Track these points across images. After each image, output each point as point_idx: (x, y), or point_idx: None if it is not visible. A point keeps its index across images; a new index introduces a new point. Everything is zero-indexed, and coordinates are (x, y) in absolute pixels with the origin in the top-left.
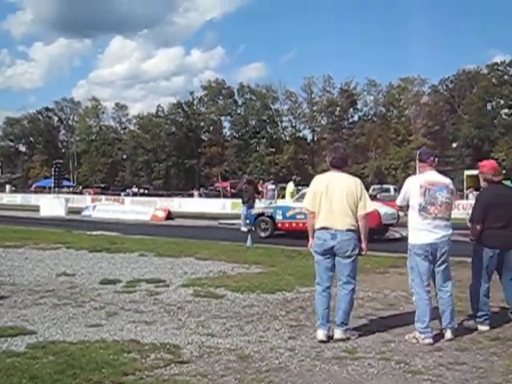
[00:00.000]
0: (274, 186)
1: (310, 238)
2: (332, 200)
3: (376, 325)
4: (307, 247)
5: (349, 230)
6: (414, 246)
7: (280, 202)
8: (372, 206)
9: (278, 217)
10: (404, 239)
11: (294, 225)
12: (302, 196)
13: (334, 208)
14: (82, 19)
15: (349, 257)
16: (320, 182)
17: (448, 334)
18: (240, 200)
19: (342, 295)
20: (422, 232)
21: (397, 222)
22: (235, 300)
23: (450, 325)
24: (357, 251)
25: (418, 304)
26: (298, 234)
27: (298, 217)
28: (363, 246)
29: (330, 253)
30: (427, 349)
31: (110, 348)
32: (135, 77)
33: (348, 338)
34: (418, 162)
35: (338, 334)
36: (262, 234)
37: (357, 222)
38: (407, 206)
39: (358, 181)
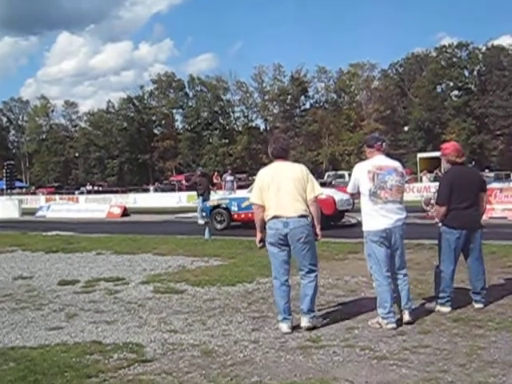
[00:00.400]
0: (232, 178)
1: (258, 233)
2: (280, 189)
3: (338, 312)
4: (256, 242)
5: (301, 216)
6: (369, 233)
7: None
8: (320, 189)
9: (234, 208)
10: (360, 225)
11: (250, 215)
12: None
13: (282, 196)
14: (27, 16)
15: (304, 244)
16: (265, 174)
17: (406, 316)
18: (195, 193)
19: (306, 283)
20: (374, 218)
21: (352, 207)
22: (196, 294)
23: (407, 305)
24: (312, 237)
25: (378, 290)
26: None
27: (253, 207)
28: (317, 231)
29: (285, 242)
30: (391, 333)
31: (71, 351)
32: (84, 73)
33: (315, 327)
34: (365, 148)
35: (304, 321)
36: (218, 226)
37: (308, 208)
38: (358, 193)
39: (303, 167)
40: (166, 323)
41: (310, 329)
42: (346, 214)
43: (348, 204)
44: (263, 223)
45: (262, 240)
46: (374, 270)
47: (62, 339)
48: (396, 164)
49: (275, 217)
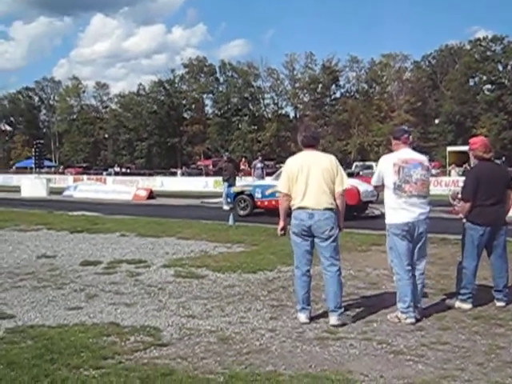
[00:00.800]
0: (262, 165)
1: (281, 222)
2: (308, 179)
3: (358, 304)
4: (278, 230)
5: (326, 209)
6: (392, 226)
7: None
8: (348, 182)
9: (257, 195)
10: (383, 216)
11: (273, 203)
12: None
13: (310, 187)
14: None
15: (328, 237)
16: (294, 162)
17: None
18: (221, 178)
19: (328, 279)
20: (398, 211)
21: (376, 199)
22: (216, 280)
23: (418, 304)
24: (336, 231)
25: (398, 284)
26: (277, 213)
27: (277, 195)
28: (340, 224)
29: (308, 234)
30: (409, 328)
31: (89, 331)
32: (116, 55)
33: (344, 324)
34: (392, 139)
35: (333, 319)
36: (241, 213)
37: (335, 200)
38: (382, 186)
39: (332, 158)
40: (184, 308)
41: (339, 325)
42: (369, 205)
43: (372, 195)
44: (287, 212)
45: (284, 229)
46: (395, 264)
47: (81, 319)
48: (422, 158)
49: (300, 207)
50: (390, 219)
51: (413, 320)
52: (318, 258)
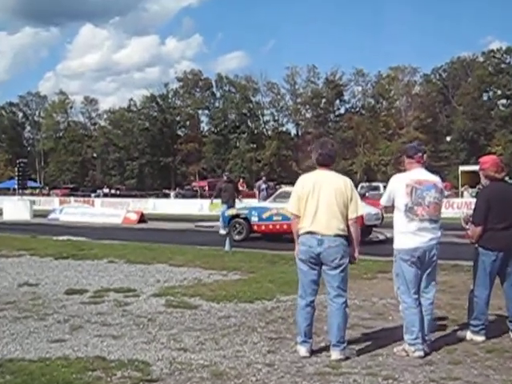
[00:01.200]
0: (266, 185)
1: (297, 245)
2: (319, 202)
3: (363, 336)
4: (294, 253)
5: (337, 236)
6: (400, 251)
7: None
8: (363, 208)
9: (254, 218)
10: (389, 241)
11: (270, 227)
12: (280, 196)
13: (320, 211)
14: (49, 6)
15: (338, 266)
16: (305, 181)
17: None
18: (219, 200)
19: (333, 310)
20: (408, 235)
21: (380, 222)
22: (211, 310)
23: (427, 337)
24: (347, 260)
25: (405, 314)
26: (275, 237)
27: (274, 218)
28: (355, 254)
29: (316, 261)
30: (418, 362)
31: (72, 366)
32: (106, 68)
33: (348, 358)
34: (404, 158)
35: (335, 354)
36: (237, 237)
37: (347, 226)
38: (392, 207)
39: (347, 180)
40: (176, 340)
41: (342, 360)
42: (373, 229)
43: (376, 219)
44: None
45: None
46: (402, 291)
47: (64, 353)
48: (436, 179)
49: (309, 232)
50: (399, 244)
51: (421, 353)
52: (324, 287)
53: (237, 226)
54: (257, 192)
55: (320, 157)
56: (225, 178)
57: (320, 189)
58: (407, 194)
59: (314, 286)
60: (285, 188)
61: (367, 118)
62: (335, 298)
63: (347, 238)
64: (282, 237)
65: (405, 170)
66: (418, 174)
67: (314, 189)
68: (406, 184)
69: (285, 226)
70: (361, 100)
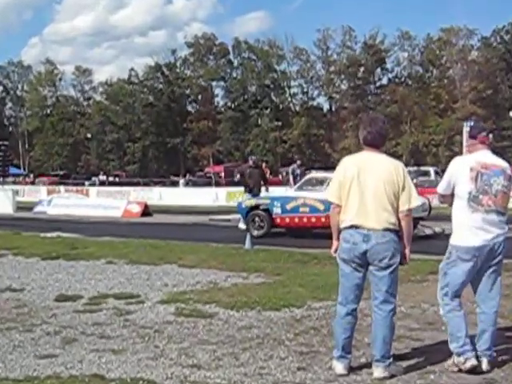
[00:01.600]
0: (300, 170)
1: (335, 241)
2: (365, 190)
3: (411, 350)
4: (330, 252)
5: (387, 230)
6: (460, 249)
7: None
8: (418, 199)
9: (276, 210)
10: (439, 237)
11: (296, 220)
12: (307, 183)
13: (367, 201)
14: None
15: (387, 266)
16: (349, 165)
17: (484, 365)
18: (241, 189)
19: (378, 319)
20: (470, 230)
21: (428, 214)
22: (229, 320)
23: (489, 352)
24: (398, 259)
25: (448, 317)
26: (302, 232)
27: (301, 210)
28: (406, 252)
29: (362, 261)
30: (476, 381)
31: None
32: (102, 32)
33: (393, 376)
34: (466, 138)
35: (378, 371)
36: (256, 233)
37: (398, 219)
38: (452, 195)
39: (400, 165)
40: (187, 355)
41: (386, 378)
42: (420, 222)
43: (423, 210)
44: (339, 228)
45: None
46: (446, 292)
47: (55, 370)
48: (504, 164)
49: (353, 226)
50: (458, 239)
51: (474, 362)
52: (370, 292)
53: (256, 219)
54: (291, 177)
55: (369, 135)
56: (250, 162)
57: (366, 174)
58: (471, 179)
59: (358, 292)
60: (314, 173)
61: (414, 89)
62: (382, 304)
63: (398, 232)
64: (309, 232)
65: (460, 153)
66: (483, 156)
67: (359, 174)
68: (470, 167)
69: (313, 220)
70: (406, 68)
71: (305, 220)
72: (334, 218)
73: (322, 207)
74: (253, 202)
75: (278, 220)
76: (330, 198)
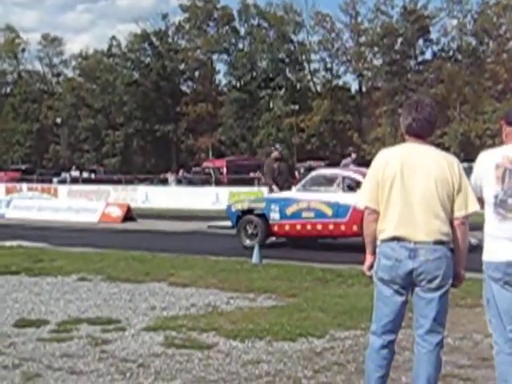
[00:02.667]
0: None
1: (369, 255)
2: (411, 192)
3: None
4: (363, 269)
5: (438, 243)
6: (489, 266)
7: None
8: (477, 203)
9: (274, 215)
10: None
11: (298, 227)
12: (312, 182)
13: (413, 205)
14: None
15: (438, 288)
16: (389, 160)
17: None
18: (251, 188)
19: (422, 353)
20: (499, 242)
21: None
22: (231, 352)
23: None
24: (451, 280)
25: (496, 361)
26: (306, 242)
27: (304, 215)
28: (461, 271)
29: (406, 282)
30: None
31: None
32: None
33: None
34: (504, 125)
35: None
36: (248, 242)
37: (451, 229)
38: (482, 200)
39: (454, 161)
40: None
41: None
42: None
43: None
44: (375, 240)
45: (373, 267)
46: (493, 327)
47: None
48: None
49: (396, 238)
50: (487, 255)
51: None
52: (414, 322)
53: (248, 225)
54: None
55: (414, 123)
56: (276, 153)
57: (412, 172)
58: (497, 179)
59: (398, 320)
60: (320, 170)
61: (465, 66)
62: (428, 334)
63: (450, 245)
64: (316, 241)
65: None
66: None
67: (403, 171)
68: (495, 164)
69: (319, 227)
70: (455, 40)
71: (309, 227)
72: (370, 227)
73: (329, 212)
74: (245, 204)
75: (276, 227)
76: (363, 202)
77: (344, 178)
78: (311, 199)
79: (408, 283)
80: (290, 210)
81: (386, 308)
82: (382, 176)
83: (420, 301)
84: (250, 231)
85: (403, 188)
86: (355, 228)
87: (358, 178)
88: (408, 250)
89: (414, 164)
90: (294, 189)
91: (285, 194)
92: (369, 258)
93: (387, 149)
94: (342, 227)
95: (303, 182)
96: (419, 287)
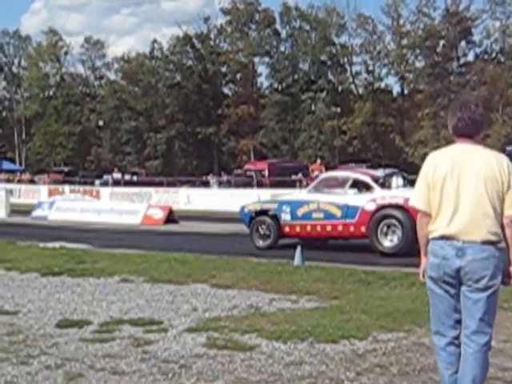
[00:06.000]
0: None
1: (423, 257)
2: (461, 191)
3: None
4: (419, 270)
5: (487, 243)
6: None
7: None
8: None
9: (285, 216)
10: None
11: (308, 228)
12: (322, 184)
13: (464, 204)
14: None
15: (486, 288)
16: (439, 161)
17: None
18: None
19: (468, 353)
20: None
21: None
22: (274, 354)
23: None
24: (499, 279)
25: None
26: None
27: (314, 216)
28: (511, 269)
29: (454, 280)
30: None
31: None
32: None
33: None
34: None
35: None
36: (260, 243)
37: (502, 229)
38: None
39: (504, 159)
40: None
41: None
42: None
43: None
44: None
45: None
46: None
47: None
48: None
49: (444, 237)
50: None
51: None
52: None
53: (261, 227)
54: None
55: (459, 123)
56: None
57: (462, 171)
58: None
59: (456, 315)
60: (331, 172)
61: (508, 68)
62: (474, 335)
63: (499, 245)
64: (327, 242)
65: None
66: None
67: (453, 172)
68: None
69: (328, 228)
70: (499, 42)
71: (318, 228)
72: (423, 229)
73: (338, 213)
74: (257, 206)
75: (287, 228)
76: (416, 205)
77: (354, 179)
78: (321, 200)
79: (456, 281)
80: (300, 211)
81: (443, 305)
82: (433, 177)
83: (467, 301)
84: (262, 232)
85: (453, 188)
86: (363, 229)
87: (367, 179)
88: (456, 248)
89: (464, 164)
90: (304, 190)
91: (296, 196)
92: (423, 261)
93: (436, 151)
94: (351, 228)
95: (314, 183)
96: (466, 287)
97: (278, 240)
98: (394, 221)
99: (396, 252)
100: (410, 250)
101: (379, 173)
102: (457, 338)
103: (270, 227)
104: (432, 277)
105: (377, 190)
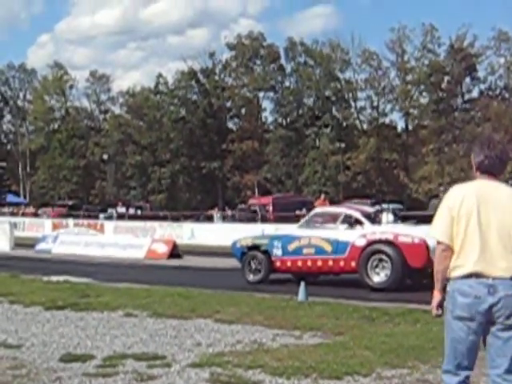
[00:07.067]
0: None
1: (436, 292)
2: (488, 228)
3: None
4: (432, 306)
5: None
6: None
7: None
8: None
9: (276, 251)
10: None
11: (299, 263)
12: (313, 219)
13: (491, 242)
14: None
15: None
16: (465, 195)
17: None
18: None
19: None
20: None
21: None
22: None
23: None
24: None
25: None
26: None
27: (305, 251)
28: None
29: (485, 319)
30: None
31: None
32: (129, 30)
33: None
34: None
35: None
36: (251, 277)
37: None
38: None
39: None
40: None
41: None
42: None
43: None
44: (446, 277)
45: (442, 305)
46: None
47: None
48: None
49: (474, 275)
50: None
51: None
52: (488, 362)
53: (253, 261)
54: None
55: (486, 160)
56: None
57: (488, 208)
58: None
59: (473, 356)
60: (320, 209)
61: None
62: (508, 374)
63: None
64: (318, 277)
65: None
66: None
67: (480, 207)
68: None
69: (319, 263)
70: (503, 78)
71: (309, 264)
72: (443, 263)
73: (329, 248)
74: (249, 241)
75: (278, 263)
76: (440, 238)
77: (345, 215)
78: (312, 236)
79: (486, 320)
80: (291, 247)
81: (462, 345)
82: (459, 212)
83: (497, 340)
84: (254, 267)
85: (480, 224)
86: (353, 264)
87: (357, 215)
88: (487, 286)
89: (490, 200)
90: (295, 226)
91: (287, 231)
92: (437, 295)
93: (459, 186)
94: (341, 263)
95: (306, 218)
96: (496, 325)
97: (269, 275)
98: (383, 256)
99: (385, 287)
100: (399, 285)
101: (370, 209)
102: (469, 377)
103: (262, 262)
104: (463, 317)
105: (367, 225)
